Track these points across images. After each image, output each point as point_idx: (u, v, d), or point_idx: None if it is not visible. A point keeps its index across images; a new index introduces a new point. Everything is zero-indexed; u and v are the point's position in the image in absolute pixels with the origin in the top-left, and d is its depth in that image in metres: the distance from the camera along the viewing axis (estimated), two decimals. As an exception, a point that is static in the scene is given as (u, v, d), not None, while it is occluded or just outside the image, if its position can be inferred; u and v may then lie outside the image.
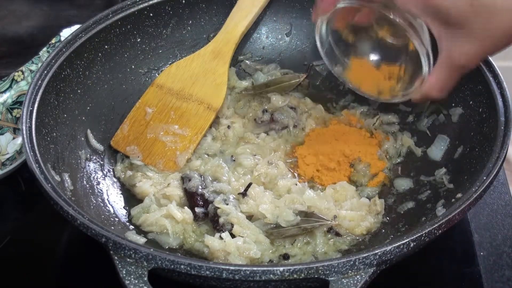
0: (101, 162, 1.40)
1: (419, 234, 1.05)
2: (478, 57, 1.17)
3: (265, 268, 0.99)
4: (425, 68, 1.21)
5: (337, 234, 1.27)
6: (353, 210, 1.29)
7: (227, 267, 1.00)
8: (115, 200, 1.34)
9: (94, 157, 1.39)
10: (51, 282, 1.30)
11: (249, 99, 1.54)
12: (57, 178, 1.21)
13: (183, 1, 1.55)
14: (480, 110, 1.32)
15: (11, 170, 1.43)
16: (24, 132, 1.21)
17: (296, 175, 1.40)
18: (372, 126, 1.48)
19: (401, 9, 1.17)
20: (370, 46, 1.34)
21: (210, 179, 1.36)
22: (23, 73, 1.48)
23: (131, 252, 1.02)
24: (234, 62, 1.60)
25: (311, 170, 1.41)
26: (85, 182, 1.32)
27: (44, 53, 1.49)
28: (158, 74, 1.55)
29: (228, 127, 1.47)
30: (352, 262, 1.01)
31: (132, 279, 1.01)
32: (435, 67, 1.20)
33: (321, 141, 1.45)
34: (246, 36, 1.59)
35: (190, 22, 1.58)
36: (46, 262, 1.32)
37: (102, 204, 1.31)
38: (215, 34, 1.56)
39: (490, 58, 1.33)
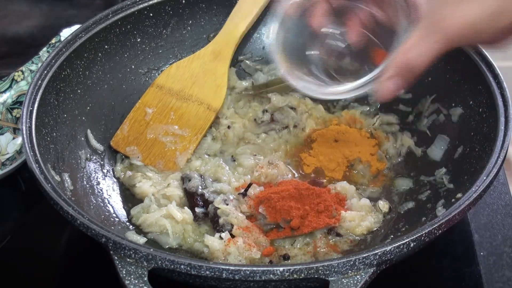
0: (101, 162, 1.40)
1: (419, 234, 1.05)
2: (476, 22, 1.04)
3: (265, 268, 0.99)
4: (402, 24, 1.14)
5: (338, 234, 1.27)
6: (353, 210, 1.29)
7: (227, 267, 1.00)
8: (115, 200, 1.34)
9: (94, 157, 1.39)
10: (51, 282, 1.30)
11: (249, 99, 1.54)
12: (57, 178, 1.21)
13: (183, 1, 1.55)
14: (480, 110, 1.32)
15: (11, 170, 1.43)
16: (24, 132, 1.21)
17: (296, 175, 1.40)
18: (372, 126, 1.48)
19: None
20: None
21: (210, 179, 1.36)
22: (23, 73, 1.48)
23: (131, 252, 1.02)
24: (234, 62, 1.60)
25: (311, 170, 1.41)
26: (85, 182, 1.32)
27: (44, 53, 1.49)
28: (158, 74, 1.55)
29: (228, 127, 1.47)
30: (352, 262, 1.01)
31: (132, 279, 1.01)
32: (414, 32, 1.09)
33: (321, 142, 1.44)
34: (246, 36, 1.59)
35: (190, 22, 1.58)
36: (46, 262, 1.32)
37: (102, 204, 1.31)
38: (215, 34, 1.56)
39: (490, 58, 1.33)
